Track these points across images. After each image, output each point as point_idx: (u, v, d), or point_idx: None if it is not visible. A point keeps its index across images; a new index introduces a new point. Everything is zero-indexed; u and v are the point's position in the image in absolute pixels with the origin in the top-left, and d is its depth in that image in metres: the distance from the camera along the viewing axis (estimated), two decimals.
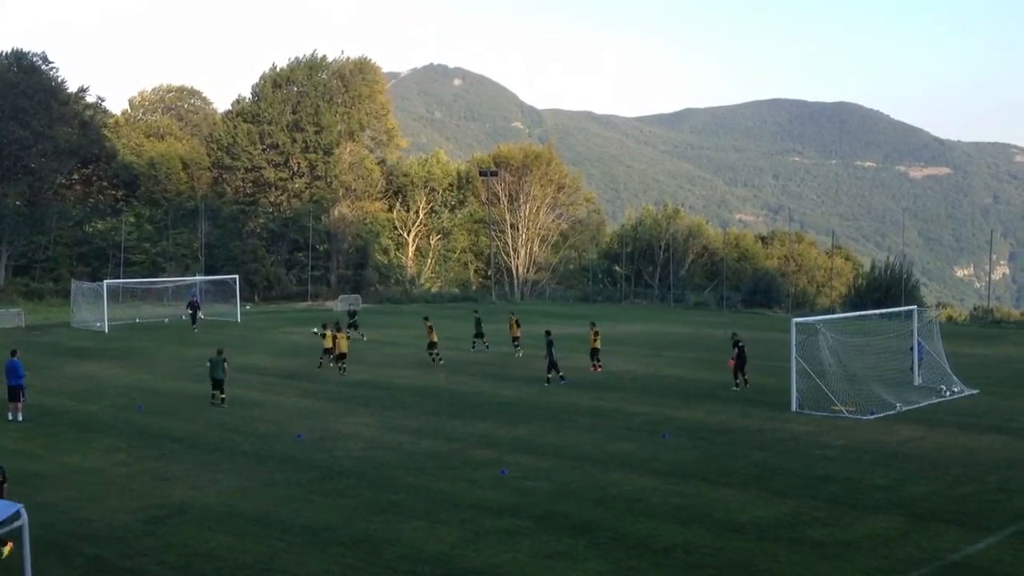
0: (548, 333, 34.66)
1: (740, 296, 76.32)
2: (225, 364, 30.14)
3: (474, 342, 43.69)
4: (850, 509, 18.45)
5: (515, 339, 42.01)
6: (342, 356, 36.35)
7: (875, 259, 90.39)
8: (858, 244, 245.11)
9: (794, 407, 28.49)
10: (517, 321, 42.78)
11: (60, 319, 58.46)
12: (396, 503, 19.05)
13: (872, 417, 27.31)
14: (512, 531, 17.19)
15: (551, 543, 16.54)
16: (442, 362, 38.97)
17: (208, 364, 30.32)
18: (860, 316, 37.90)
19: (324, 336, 38.01)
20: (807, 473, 21.20)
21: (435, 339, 39.47)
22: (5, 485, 16.59)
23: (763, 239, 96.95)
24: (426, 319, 41.72)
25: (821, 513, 18.15)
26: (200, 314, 55.66)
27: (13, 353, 29.04)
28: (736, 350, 32.60)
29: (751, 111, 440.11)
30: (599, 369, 36.86)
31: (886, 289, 67.22)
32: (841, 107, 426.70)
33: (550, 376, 33.89)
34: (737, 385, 32.36)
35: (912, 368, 32.86)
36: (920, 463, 22.09)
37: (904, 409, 28.20)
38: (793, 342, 29.07)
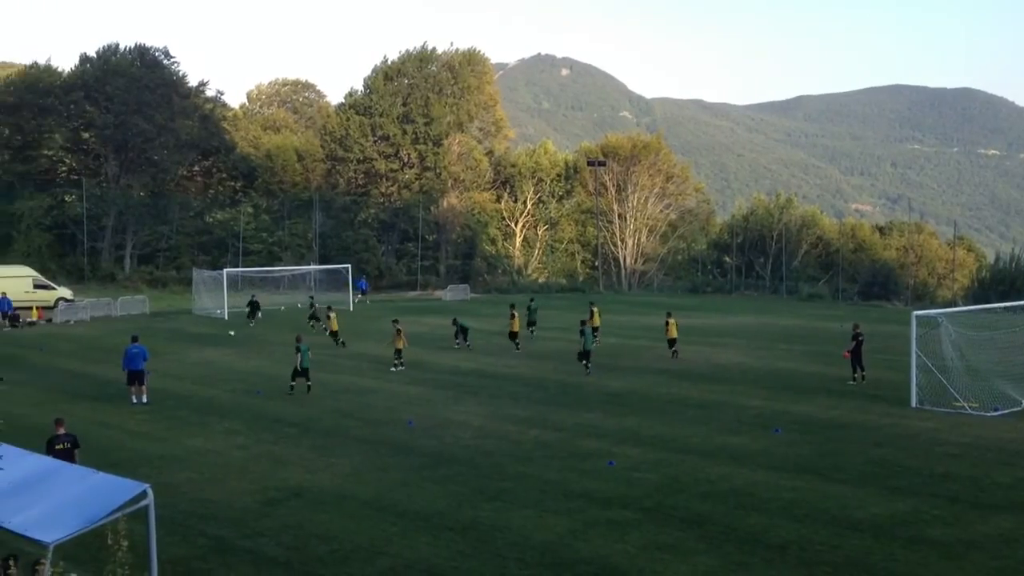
0: (583, 323, 35.66)
1: (856, 288, 74.50)
2: (309, 352, 30.60)
3: (532, 331, 44.82)
4: (972, 508, 17.83)
5: (594, 328, 42.34)
6: (334, 334, 41.41)
7: (999, 250, 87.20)
8: (981, 235, 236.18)
9: (914, 403, 27.64)
10: (597, 311, 43.37)
11: (182, 306, 60.46)
12: (505, 491, 19.17)
13: (996, 414, 26.33)
14: (621, 522, 17.12)
15: (660, 535, 16.42)
16: (517, 350, 39.89)
17: (299, 354, 30.25)
18: (984, 309, 36.54)
19: (329, 318, 43.43)
20: (927, 471, 20.55)
21: (516, 328, 40.47)
22: (78, 451, 17.73)
23: (881, 229, 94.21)
24: (512, 307, 42.29)
25: (941, 512, 17.59)
26: (259, 313, 53.53)
27: (135, 339, 30.06)
28: (854, 342, 31.80)
29: (868, 97, 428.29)
30: (676, 356, 37.65)
31: (1011, 281, 64.83)
32: (963, 93, 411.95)
33: (586, 365, 34.08)
34: (854, 379, 31.56)
35: None
36: None
37: None
38: (913, 336, 28.20)
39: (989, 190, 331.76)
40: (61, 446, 17.76)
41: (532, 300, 48.83)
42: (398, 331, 35.79)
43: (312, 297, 53.76)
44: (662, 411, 27.42)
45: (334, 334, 42.51)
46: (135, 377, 29.01)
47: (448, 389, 31.30)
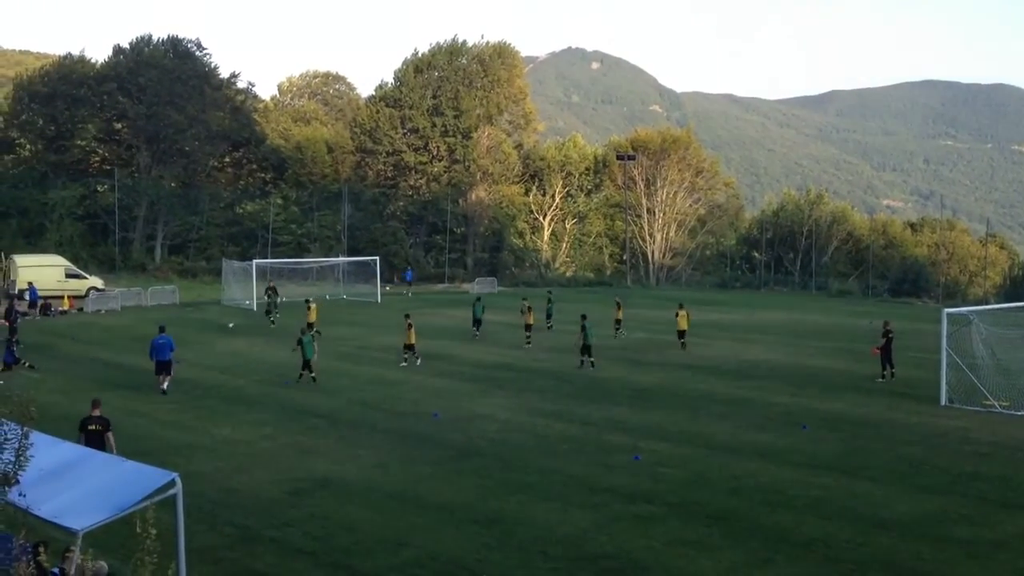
0: (584, 317, 35.50)
1: (887, 285, 73.90)
2: (315, 344, 31.37)
3: (549, 324, 45.43)
4: (1001, 508, 17.66)
5: (617, 321, 43.28)
6: (310, 325, 39.18)
7: None
8: (1014, 232, 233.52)
9: (943, 401, 27.42)
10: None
11: (212, 297, 60.84)
12: (530, 485, 19.19)
13: None
14: (646, 517, 17.10)
15: (685, 531, 16.39)
16: (528, 345, 39.68)
17: (300, 344, 31.05)
18: (1016, 307, 36.15)
19: (309, 310, 42.72)
20: (955, 470, 20.38)
21: (531, 322, 40.68)
22: (110, 434, 18.33)
23: (912, 226, 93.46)
24: (524, 300, 42.73)
25: (969, 511, 17.44)
26: (279, 299, 51.96)
27: (162, 329, 30.21)
28: (884, 339, 31.55)
29: (901, 93, 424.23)
30: (684, 348, 38.68)
31: None
32: (998, 89, 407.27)
33: (583, 360, 34.18)
34: (883, 376, 31.33)
35: None
36: None
37: None
38: (944, 333, 27.96)
39: (1023, 187, 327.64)
40: (93, 427, 18.31)
41: (550, 292, 49.11)
42: (408, 325, 35.23)
43: (272, 288, 51.31)
44: (689, 406, 27.34)
45: (310, 325, 41.82)
46: (163, 367, 29.26)
47: (474, 382, 31.35)
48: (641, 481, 19.43)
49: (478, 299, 45.64)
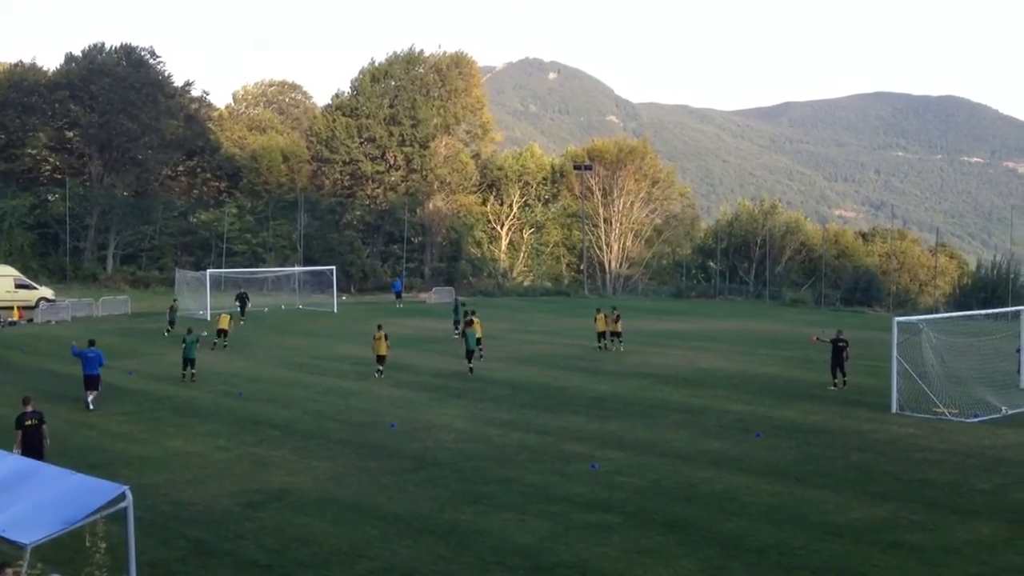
0: (467, 324, 37.10)
1: (839, 294, 74.76)
2: (197, 344, 33.35)
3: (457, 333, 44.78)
4: (951, 514, 17.93)
5: (617, 334, 42.32)
6: (222, 332, 41.80)
7: (981, 258, 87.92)
8: (963, 242, 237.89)
9: (894, 408, 27.78)
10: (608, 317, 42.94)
11: (165, 307, 59.97)
12: (487, 495, 19.16)
13: (976, 420, 26.47)
14: (602, 526, 17.14)
15: (641, 539, 16.44)
16: (481, 358, 38.00)
17: (185, 344, 32.94)
18: (965, 316, 36.77)
19: (220, 317, 43.31)
20: (906, 476, 20.65)
21: (479, 335, 38.57)
22: (45, 426, 19.18)
23: (864, 236, 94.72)
24: (472, 313, 41.14)
25: (920, 517, 17.68)
26: (248, 305, 54.86)
27: (91, 343, 29.60)
28: (831, 343, 31.80)
29: (853, 104, 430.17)
30: (616, 349, 41.06)
31: (992, 289, 65.31)
32: (947, 101, 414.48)
33: (471, 366, 35.09)
34: (835, 385, 31.67)
35: (1019, 371, 31.76)
36: None
37: (1010, 413, 27.28)
38: (894, 342, 28.34)
39: (972, 197, 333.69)
40: (30, 422, 19.01)
41: (463, 304, 48.63)
42: (377, 336, 34.59)
43: (176, 300, 51.76)
44: (645, 415, 27.47)
45: (222, 332, 41.91)
46: (91, 382, 28.16)
47: (431, 392, 31.27)
48: (598, 490, 19.48)
49: (457, 300, 46.18)
